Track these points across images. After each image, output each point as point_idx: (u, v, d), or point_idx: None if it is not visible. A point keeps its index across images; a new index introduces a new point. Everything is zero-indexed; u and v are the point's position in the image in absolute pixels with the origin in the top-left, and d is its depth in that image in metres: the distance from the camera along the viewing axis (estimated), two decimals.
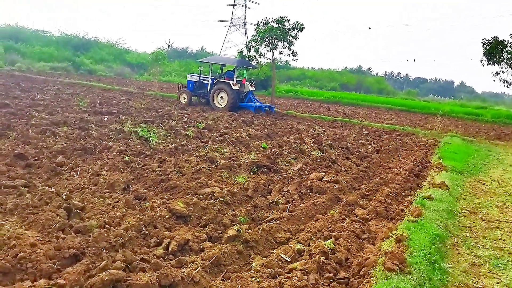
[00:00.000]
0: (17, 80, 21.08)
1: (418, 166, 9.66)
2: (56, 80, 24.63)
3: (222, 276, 3.94)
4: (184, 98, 19.92)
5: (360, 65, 73.34)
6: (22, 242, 3.76)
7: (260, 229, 5.01)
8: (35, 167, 6.52)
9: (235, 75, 18.99)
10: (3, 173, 5.85)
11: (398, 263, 4.01)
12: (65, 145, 7.96)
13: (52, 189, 5.44)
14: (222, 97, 18.70)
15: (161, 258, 4.04)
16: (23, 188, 5.35)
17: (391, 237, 4.95)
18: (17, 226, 4.23)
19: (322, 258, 4.15)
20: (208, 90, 19.39)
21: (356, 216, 5.91)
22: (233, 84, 18.37)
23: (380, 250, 4.57)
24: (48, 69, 34.03)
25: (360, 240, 5.16)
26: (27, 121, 9.86)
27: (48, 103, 13.36)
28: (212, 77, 19.63)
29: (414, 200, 6.71)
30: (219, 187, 6.50)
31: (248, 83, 19.48)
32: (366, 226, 5.60)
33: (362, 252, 4.72)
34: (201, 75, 20.30)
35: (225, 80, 18.84)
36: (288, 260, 4.20)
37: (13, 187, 5.34)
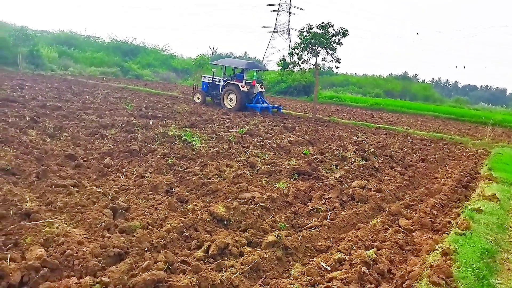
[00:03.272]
0: (70, 84, 22.11)
1: (466, 176, 9.25)
2: (105, 85, 25.63)
3: (261, 282, 3.93)
4: (198, 98, 21.12)
5: (405, 72, 71.32)
6: (70, 240, 3.91)
7: (300, 236, 4.96)
8: (84, 168, 6.81)
9: (245, 77, 19.92)
10: (55, 173, 6.14)
11: (444, 277, 3.86)
12: (112, 147, 8.25)
13: (99, 189, 5.64)
14: (231, 98, 19.67)
15: (201, 261, 4.08)
16: (72, 187, 5.59)
17: (437, 249, 4.77)
18: (66, 224, 4.42)
19: (363, 268, 4.05)
20: (220, 91, 20.31)
21: (400, 227, 5.74)
22: (241, 85, 19.29)
23: (425, 263, 4.41)
24: (99, 73, 35.47)
25: (404, 251, 5.00)
26: (78, 123, 10.32)
27: (98, 107, 13.92)
28: (224, 79, 20.60)
29: (462, 212, 6.43)
30: (259, 192, 6.51)
31: (258, 84, 20.27)
32: (410, 237, 5.42)
33: (406, 264, 4.57)
34: (214, 77, 21.18)
35: (234, 82, 19.74)
36: (328, 268, 4.13)
37: (63, 186, 5.59)
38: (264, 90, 21.06)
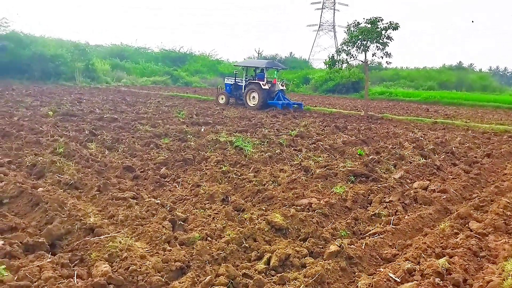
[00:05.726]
0: (123, 95, 22.96)
1: None
2: (157, 94, 26.38)
3: None
4: (222, 99, 22.29)
5: (460, 61, 67.59)
6: (133, 254, 3.94)
7: (364, 244, 4.73)
8: (141, 179, 6.94)
9: (266, 76, 20.75)
10: (114, 185, 6.29)
11: None
12: (167, 156, 8.38)
13: (157, 201, 5.70)
14: (253, 97, 20.63)
15: (263, 274, 3.98)
16: (132, 199, 5.69)
17: None
18: (128, 237, 4.46)
19: (437, 279, 3.76)
20: (243, 91, 21.24)
21: (471, 231, 5.33)
22: (263, 84, 20.21)
23: (504, 270, 4.04)
24: (150, 83, 36.66)
25: (478, 258, 4.63)
26: (133, 134, 10.61)
27: (151, 116, 14.29)
28: (246, 79, 21.47)
29: None
30: (316, 197, 6.32)
31: (278, 82, 21.21)
32: (484, 242, 5.01)
33: (482, 272, 4.22)
34: (236, 78, 22.12)
35: (256, 81, 20.64)
36: (398, 280, 3.87)
37: (123, 198, 5.70)
38: (285, 88, 21.93)
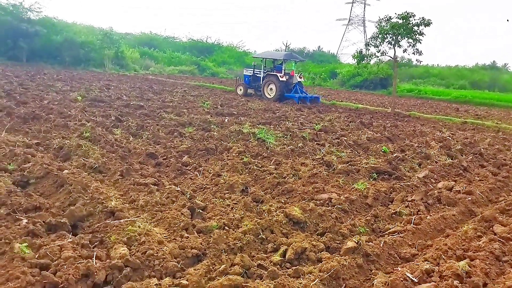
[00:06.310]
0: (151, 84, 23.26)
1: None
2: (183, 83, 26.60)
3: None
4: (240, 90, 22.41)
5: (494, 61, 65.22)
6: (151, 239, 4.00)
7: (382, 242, 4.66)
8: (163, 166, 7.03)
9: (283, 68, 20.87)
10: (137, 171, 6.40)
11: None
12: (190, 145, 8.46)
13: (178, 188, 5.76)
14: (271, 88, 20.64)
15: (278, 266, 3.97)
16: (153, 186, 5.77)
17: None
18: (147, 222, 4.53)
19: (455, 282, 3.68)
20: (261, 83, 21.36)
21: (495, 234, 5.18)
22: (280, 76, 20.24)
23: None
24: (177, 72, 37.01)
25: (500, 263, 4.49)
26: (158, 122, 10.74)
27: (176, 105, 14.43)
28: (264, 71, 21.62)
29: None
30: (336, 193, 6.26)
31: (296, 75, 21.17)
32: (508, 246, 4.86)
33: (504, 277, 4.10)
34: (255, 69, 22.15)
35: (274, 73, 20.73)
36: (415, 280, 3.80)
37: (145, 184, 5.79)
38: (303, 80, 21.96)
